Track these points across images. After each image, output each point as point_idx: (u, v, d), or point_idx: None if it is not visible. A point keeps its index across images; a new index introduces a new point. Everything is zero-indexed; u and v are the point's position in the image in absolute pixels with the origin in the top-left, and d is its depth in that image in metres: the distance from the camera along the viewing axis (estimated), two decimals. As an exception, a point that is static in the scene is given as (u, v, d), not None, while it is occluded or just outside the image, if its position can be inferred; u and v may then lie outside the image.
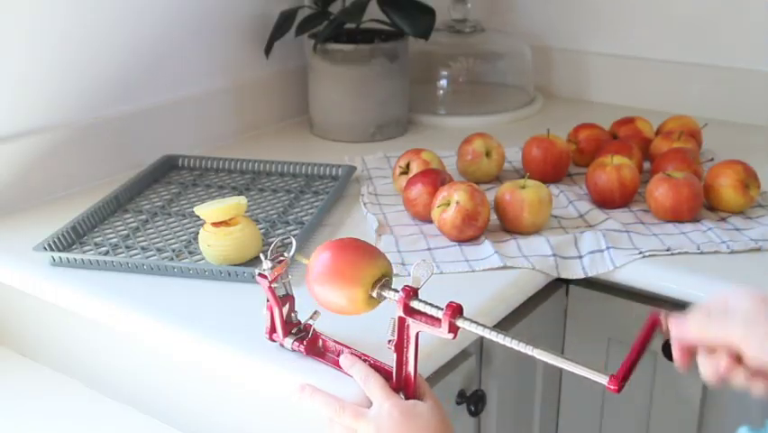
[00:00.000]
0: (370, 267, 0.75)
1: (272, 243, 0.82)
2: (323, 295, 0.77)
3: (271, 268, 0.79)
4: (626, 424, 1.12)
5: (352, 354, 0.80)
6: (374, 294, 0.75)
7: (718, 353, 0.65)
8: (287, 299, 0.82)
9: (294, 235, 1.01)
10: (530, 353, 0.68)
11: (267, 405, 0.91)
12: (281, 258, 0.80)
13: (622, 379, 0.65)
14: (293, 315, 0.84)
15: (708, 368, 0.66)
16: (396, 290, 0.74)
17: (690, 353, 0.67)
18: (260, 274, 0.80)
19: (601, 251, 1.03)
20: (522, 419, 1.11)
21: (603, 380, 0.65)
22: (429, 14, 1.45)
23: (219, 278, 0.98)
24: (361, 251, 0.76)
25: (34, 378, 1.09)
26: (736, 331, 0.63)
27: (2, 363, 1.12)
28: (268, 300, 0.82)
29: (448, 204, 1.06)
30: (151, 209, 1.19)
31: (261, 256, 0.80)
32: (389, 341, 0.75)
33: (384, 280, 0.76)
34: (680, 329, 0.67)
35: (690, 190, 1.10)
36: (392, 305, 0.74)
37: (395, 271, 0.99)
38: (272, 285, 0.80)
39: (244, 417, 0.93)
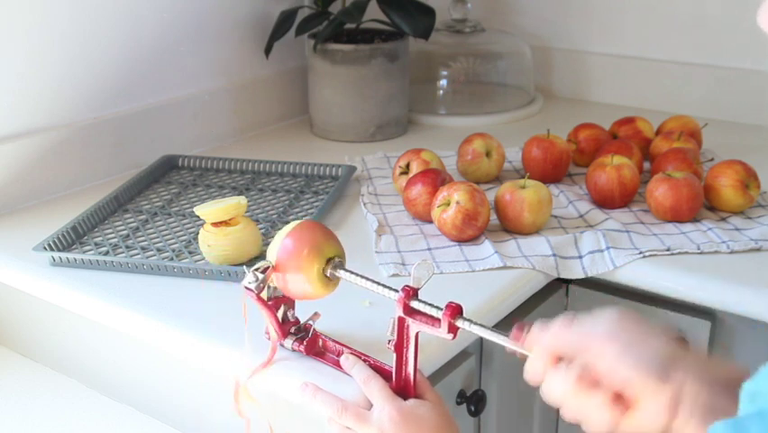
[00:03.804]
0: (319, 251, 0.77)
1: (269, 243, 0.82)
2: (287, 284, 0.78)
3: (257, 280, 0.78)
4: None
5: (352, 353, 0.80)
6: (327, 275, 0.78)
7: (573, 364, 0.62)
8: (283, 299, 0.82)
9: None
10: (462, 326, 0.71)
11: (267, 405, 0.90)
12: (268, 265, 0.79)
13: None
14: (289, 313, 0.83)
15: (565, 377, 0.61)
16: (350, 271, 0.78)
17: (552, 360, 0.64)
18: (246, 287, 0.79)
19: (601, 251, 1.03)
20: (522, 419, 1.11)
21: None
22: (429, 14, 1.45)
23: (219, 278, 0.98)
24: (308, 236, 0.78)
25: (34, 378, 1.09)
26: (595, 341, 0.61)
27: (2, 363, 1.12)
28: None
29: (448, 204, 1.06)
30: (151, 209, 1.19)
31: (245, 269, 0.79)
32: (389, 341, 0.75)
33: (336, 261, 0.78)
34: (539, 335, 0.64)
35: (690, 190, 1.10)
36: (393, 305, 0.74)
37: (395, 271, 0.99)
38: (261, 295, 0.79)
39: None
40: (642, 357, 0.59)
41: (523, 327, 0.66)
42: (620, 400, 0.60)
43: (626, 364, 0.59)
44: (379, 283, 0.77)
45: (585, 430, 0.62)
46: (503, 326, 0.97)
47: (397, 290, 0.74)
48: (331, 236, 0.80)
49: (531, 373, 0.65)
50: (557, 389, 0.63)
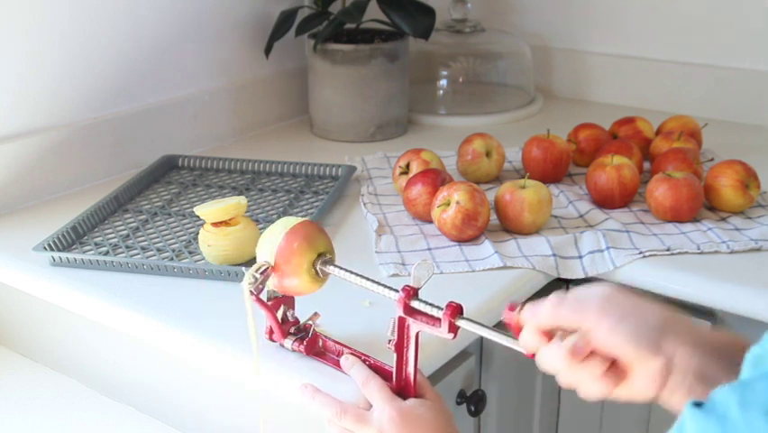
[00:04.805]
0: (307, 250, 0.78)
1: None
2: (280, 283, 0.79)
3: (255, 281, 0.78)
4: (626, 424, 1.12)
5: (351, 354, 0.80)
6: (318, 272, 0.78)
7: (567, 339, 0.64)
8: (282, 300, 0.82)
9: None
10: (463, 325, 0.71)
11: (266, 405, 0.90)
12: (264, 267, 0.79)
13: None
14: (288, 313, 0.83)
15: (559, 350, 0.63)
16: (339, 267, 0.78)
17: (545, 336, 0.65)
18: (247, 289, 0.78)
19: (601, 251, 1.03)
20: (522, 419, 1.11)
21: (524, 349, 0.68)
22: (429, 14, 1.45)
23: (219, 278, 0.98)
24: (297, 236, 0.78)
25: (34, 378, 1.09)
26: (589, 316, 0.62)
27: (2, 363, 1.12)
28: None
29: (448, 204, 1.06)
30: (151, 209, 1.19)
31: (243, 269, 0.79)
32: (389, 341, 0.75)
33: (325, 257, 0.78)
34: (533, 312, 0.66)
35: (690, 190, 1.10)
36: (393, 305, 0.74)
37: (395, 271, 0.99)
38: (259, 297, 0.79)
39: (244, 417, 0.93)
40: (633, 329, 0.61)
41: (515, 306, 0.68)
42: (614, 369, 0.62)
43: (618, 337, 0.61)
44: (379, 283, 0.77)
45: (582, 396, 0.65)
46: (503, 326, 0.97)
47: (397, 290, 0.74)
48: (322, 233, 0.80)
49: (524, 347, 0.67)
50: (550, 362, 0.64)
